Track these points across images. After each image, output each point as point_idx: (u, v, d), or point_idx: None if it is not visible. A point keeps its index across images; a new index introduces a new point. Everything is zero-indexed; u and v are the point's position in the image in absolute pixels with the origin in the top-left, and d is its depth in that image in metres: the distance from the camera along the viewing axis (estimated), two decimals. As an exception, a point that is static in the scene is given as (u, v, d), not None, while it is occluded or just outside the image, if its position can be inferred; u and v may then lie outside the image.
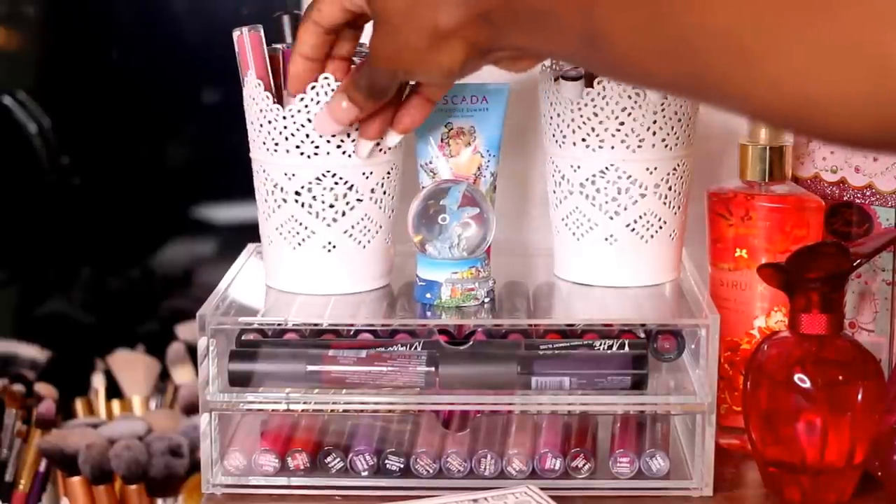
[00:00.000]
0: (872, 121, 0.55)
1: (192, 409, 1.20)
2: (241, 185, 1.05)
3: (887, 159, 1.03)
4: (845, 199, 1.06)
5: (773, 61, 0.57)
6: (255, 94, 0.97)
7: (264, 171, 0.98)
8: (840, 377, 0.94)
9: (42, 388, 1.25)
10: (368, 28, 0.87)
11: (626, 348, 0.95)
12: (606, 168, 1.00)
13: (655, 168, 1.00)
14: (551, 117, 1.02)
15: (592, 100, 0.99)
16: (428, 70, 0.83)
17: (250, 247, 1.11)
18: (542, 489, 0.92)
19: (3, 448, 1.19)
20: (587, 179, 1.01)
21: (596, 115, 0.99)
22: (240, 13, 1.28)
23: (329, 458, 0.97)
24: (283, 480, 0.97)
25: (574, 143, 1.01)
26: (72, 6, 1.32)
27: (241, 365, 0.96)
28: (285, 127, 0.96)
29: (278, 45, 0.99)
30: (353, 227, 0.98)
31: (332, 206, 0.97)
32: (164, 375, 1.28)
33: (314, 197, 0.97)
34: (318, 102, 0.94)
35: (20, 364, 1.31)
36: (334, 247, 0.98)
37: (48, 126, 1.32)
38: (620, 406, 0.96)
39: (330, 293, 1.00)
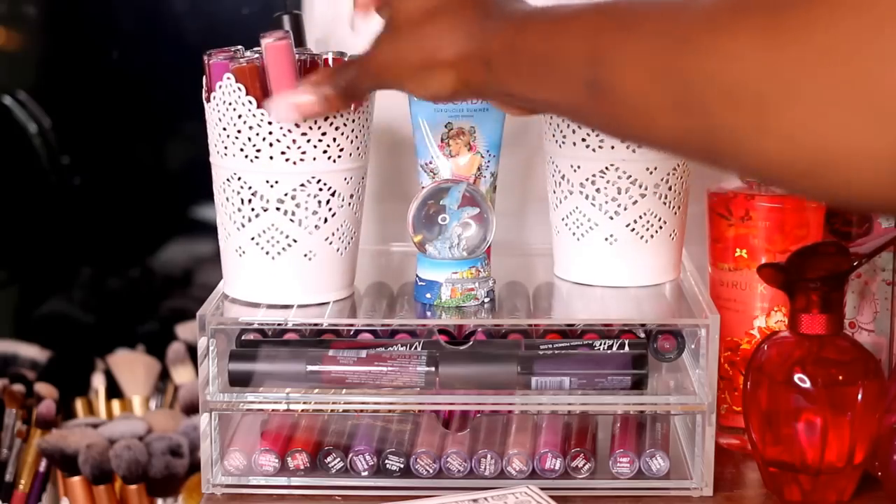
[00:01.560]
0: (892, 178, 0.50)
1: (192, 409, 1.20)
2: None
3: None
4: (845, 199, 1.06)
5: (789, 111, 0.53)
6: (233, 100, 0.93)
7: (239, 178, 0.95)
8: (840, 377, 0.94)
9: (42, 388, 1.25)
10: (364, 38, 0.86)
11: (626, 348, 0.95)
12: (606, 168, 1.00)
13: (655, 168, 1.00)
14: (551, 117, 1.02)
15: (592, 100, 0.99)
16: (415, 87, 0.82)
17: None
18: (542, 489, 0.92)
19: (3, 448, 1.19)
20: (587, 179, 1.01)
21: (596, 115, 0.99)
22: (240, 13, 1.28)
23: (329, 458, 0.97)
24: (283, 480, 0.97)
25: (574, 143, 1.01)
26: (72, 6, 1.32)
27: (241, 365, 0.96)
28: (270, 133, 0.93)
29: (236, 50, 0.96)
30: (333, 234, 0.96)
31: (315, 212, 0.95)
32: (164, 375, 1.28)
33: (297, 204, 0.95)
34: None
35: (20, 364, 1.31)
36: (315, 255, 0.96)
37: (48, 126, 1.32)
38: (620, 406, 0.96)
39: (304, 303, 0.97)
